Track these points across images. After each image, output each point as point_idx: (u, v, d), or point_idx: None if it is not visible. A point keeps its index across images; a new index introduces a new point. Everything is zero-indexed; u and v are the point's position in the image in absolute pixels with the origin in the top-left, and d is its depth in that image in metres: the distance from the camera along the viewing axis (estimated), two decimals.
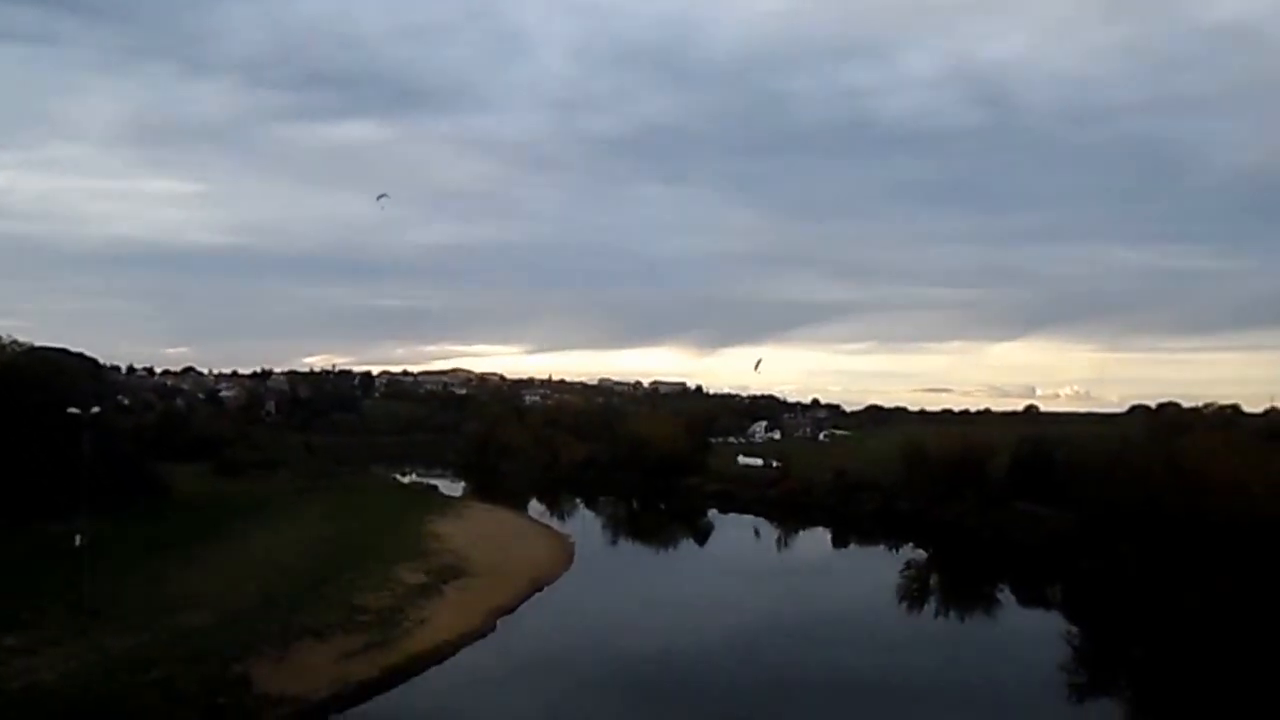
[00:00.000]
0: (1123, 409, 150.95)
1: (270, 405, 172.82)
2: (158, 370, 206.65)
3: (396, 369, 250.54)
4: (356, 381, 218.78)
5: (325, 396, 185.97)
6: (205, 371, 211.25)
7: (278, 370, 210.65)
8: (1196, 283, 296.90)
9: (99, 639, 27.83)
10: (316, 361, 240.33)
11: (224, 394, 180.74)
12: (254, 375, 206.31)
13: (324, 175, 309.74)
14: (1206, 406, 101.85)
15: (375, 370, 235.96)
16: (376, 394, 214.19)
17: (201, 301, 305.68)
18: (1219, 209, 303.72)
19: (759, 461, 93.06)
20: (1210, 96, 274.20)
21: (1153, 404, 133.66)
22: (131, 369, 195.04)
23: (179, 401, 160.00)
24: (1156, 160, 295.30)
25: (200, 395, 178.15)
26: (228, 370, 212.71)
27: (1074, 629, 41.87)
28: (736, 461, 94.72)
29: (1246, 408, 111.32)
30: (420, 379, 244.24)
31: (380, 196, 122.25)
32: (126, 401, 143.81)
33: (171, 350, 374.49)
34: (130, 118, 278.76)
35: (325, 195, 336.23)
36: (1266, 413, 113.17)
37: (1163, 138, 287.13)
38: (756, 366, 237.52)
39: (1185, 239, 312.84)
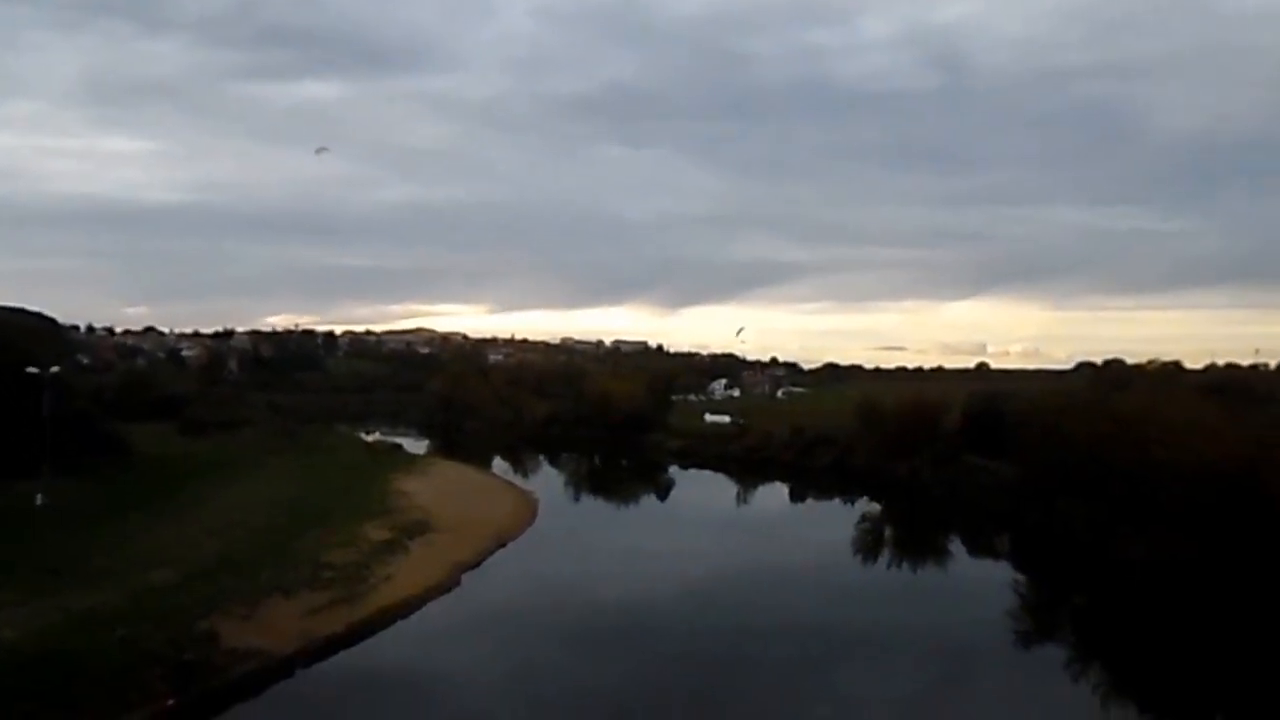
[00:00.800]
0: (1070, 366, 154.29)
1: (233, 365, 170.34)
2: (118, 330, 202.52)
3: (360, 328, 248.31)
4: (320, 341, 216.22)
5: (288, 356, 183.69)
6: (166, 331, 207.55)
7: (240, 330, 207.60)
8: (1141, 244, 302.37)
9: (61, 598, 27.36)
10: (279, 321, 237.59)
11: (186, 353, 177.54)
12: (216, 335, 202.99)
13: (285, 134, 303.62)
14: (1149, 363, 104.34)
15: (339, 330, 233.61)
16: (340, 353, 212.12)
17: (162, 260, 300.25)
18: (1163, 172, 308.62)
19: (726, 419, 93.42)
20: (1157, 61, 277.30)
21: (1098, 361, 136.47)
22: (91, 328, 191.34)
23: (140, 361, 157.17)
24: (1104, 124, 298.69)
25: (161, 355, 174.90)
26: (189, 330, 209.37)
27: (1021, 578, 42.85)
28: (704, 419, 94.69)
29: (1187, 364, 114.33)
30: (384, 338, 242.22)
31: (319, 150, 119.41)
32: (86, 361, 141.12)
33: (131, 310, 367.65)
34: (87, 75, 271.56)
35: (287, 154, 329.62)
36: (1206, 368, 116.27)
37: (1111, 102, 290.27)
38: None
39: (1130, 201, 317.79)
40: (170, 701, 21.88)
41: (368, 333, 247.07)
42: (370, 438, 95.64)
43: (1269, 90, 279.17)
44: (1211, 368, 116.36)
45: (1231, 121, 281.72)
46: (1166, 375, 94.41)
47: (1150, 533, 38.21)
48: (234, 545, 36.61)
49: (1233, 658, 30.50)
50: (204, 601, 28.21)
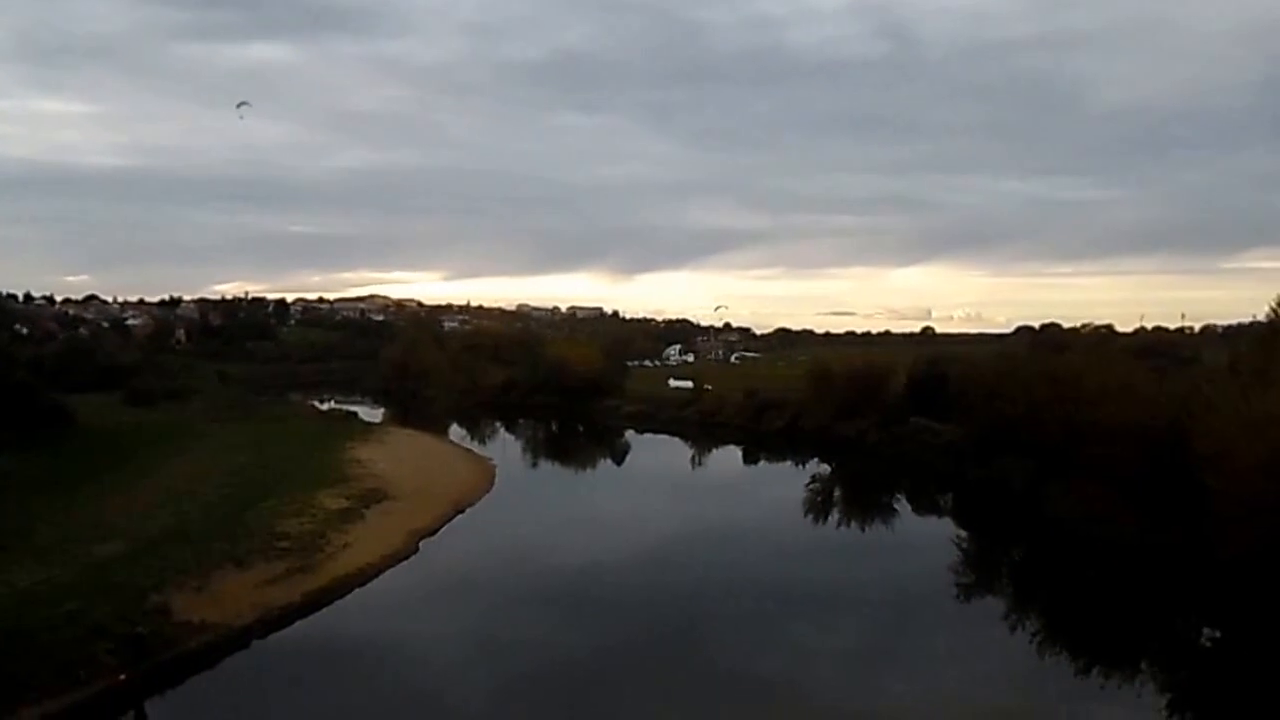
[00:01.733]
0: (1010, 329, 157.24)
1: (180, 333, 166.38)
2: (58, 299, 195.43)
3: (312, 296, 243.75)
4: (271, 309, 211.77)
5: (238, 324, 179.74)
6: (110, 299, 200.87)
7: (187, 298, 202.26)
8: (1078, 212, 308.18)
9: (5, 574, 26.89)
10: (228, 289, 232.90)
11: (131, 322, 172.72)
12: (162, 303, 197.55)
13: (231, 98, 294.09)
14: (1084, 326, 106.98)
15: (290, 298, 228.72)
16: (292, 321, 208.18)
17: (104, 226, 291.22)
18: (1099, 143, 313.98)
19: (689, 384, 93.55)
20: (1093, 35, 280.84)
21: (1036, 325, 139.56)
22: (29, 297, 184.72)
23: (82, 331, 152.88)
24: (1044, 96, 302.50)
25: (105, 324, 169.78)
26: (134, 298, 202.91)
27: (963, 534, 43.95)
28: (669, 384, 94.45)
29: (1119, 327, 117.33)
30: (337, 306, 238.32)
31: (240, 105, 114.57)
32: (25, 331, 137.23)
33: (73, 278, 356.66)
34: (20, 34, 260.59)
35: (233, 118, 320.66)
36: (1136, 331, 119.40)
37: (1050, 74, 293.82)
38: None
39: (1069, 171, 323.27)
40: (121, 676, 21.64)
41: (320, 300, 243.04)
42: (324, 406, 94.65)
43: (1198, 64, 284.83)
44: (1141, 331, 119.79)
45: (1163, 94, 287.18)
46: (1099, 338, 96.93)
47: (1081, 489, 39.35)
48: (185, 517, 36.13)
49: (1153, 603, 31.76)
50: (155, 574, 27.86)
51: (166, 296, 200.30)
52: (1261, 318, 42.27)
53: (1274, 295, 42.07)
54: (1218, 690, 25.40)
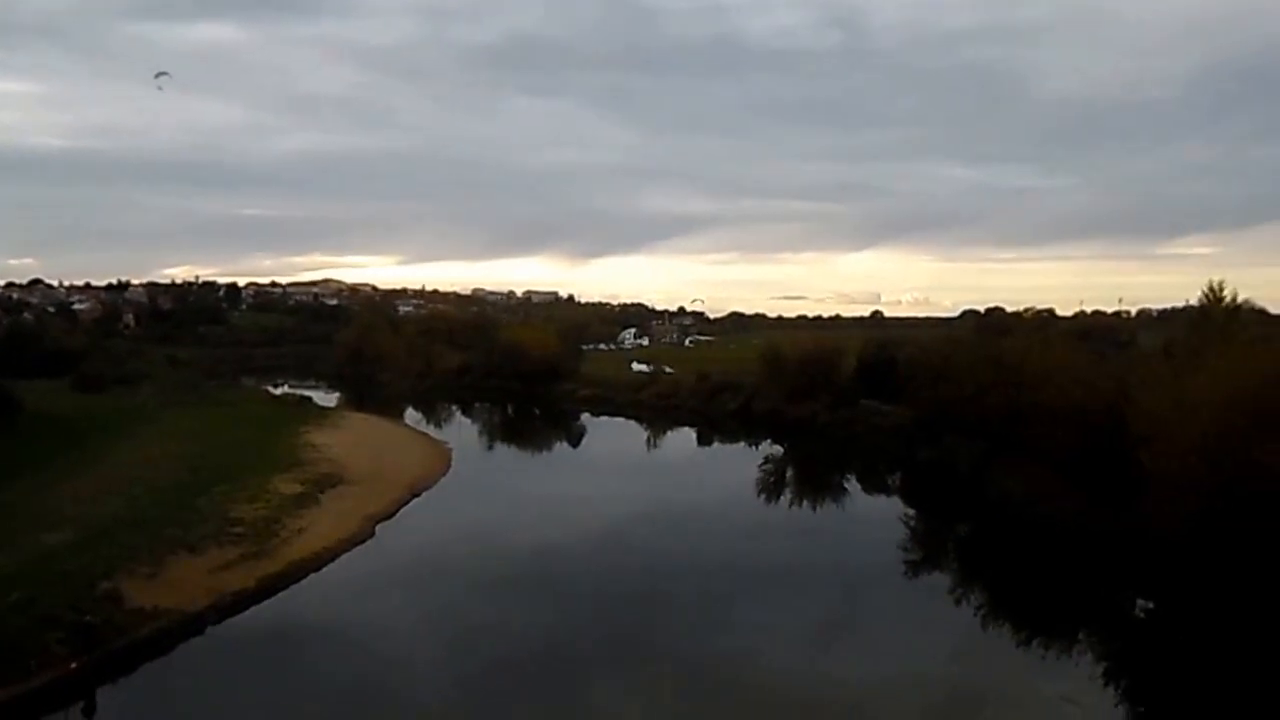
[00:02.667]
0: (956, 314, 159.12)
1: (129, 318, 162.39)
2: (1, 283, 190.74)
3: (264, 280, 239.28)
4: (222, 293, 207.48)
5: (189, 309, 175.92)
6: (55, 283, 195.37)
7: (136, 282, 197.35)
8: (1021, 199, 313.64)
9: None
10: (178, 273, 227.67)
11: (77, 307, 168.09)
12: (110, 287, 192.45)
13: (180, 78, 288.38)
14: (1026, 311, 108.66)
15: (242, 282, 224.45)
16: (244, 306, 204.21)
17: (48, 209, 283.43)
18: (1043, 132, 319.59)
19: (651, 367, 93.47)
20: (1038, 25, 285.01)
21: (982, 309, 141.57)
22: None
23: (27, 315, 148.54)
24: (991, 85, 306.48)
25: (51, 309, 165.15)
26: (80, 282, 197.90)
27: (911, 513, 44.76)
28: (631, 368, 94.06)
29: (1060, 311, 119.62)
30: (290, 290, 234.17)
31: (159, 75, 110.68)
32: None
33: (16, 261, 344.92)
34: None
35: (182, 99, 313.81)
36: (1076, 315, 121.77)
37: (996, 64, 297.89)
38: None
39: (1013, 159, 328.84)
40: (73, 665, 21.21)
41: (273, 285, 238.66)
42: (278, 391, 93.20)
43: (1136, 56, 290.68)
44: (1081, 315, 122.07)
45: (1103, 85, 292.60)
46: (1041, 322, 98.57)
47: (1023, 468, 40.24)
48: (136, 503, 35.44)
49: (1091, 578, 32.65)
50: (106, 561, 27.29)
51: (114, 280, 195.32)
52: (1194, 302, 43.40)
53: (1206, 281, 43.31)
54: (1150, 658, 26.25)
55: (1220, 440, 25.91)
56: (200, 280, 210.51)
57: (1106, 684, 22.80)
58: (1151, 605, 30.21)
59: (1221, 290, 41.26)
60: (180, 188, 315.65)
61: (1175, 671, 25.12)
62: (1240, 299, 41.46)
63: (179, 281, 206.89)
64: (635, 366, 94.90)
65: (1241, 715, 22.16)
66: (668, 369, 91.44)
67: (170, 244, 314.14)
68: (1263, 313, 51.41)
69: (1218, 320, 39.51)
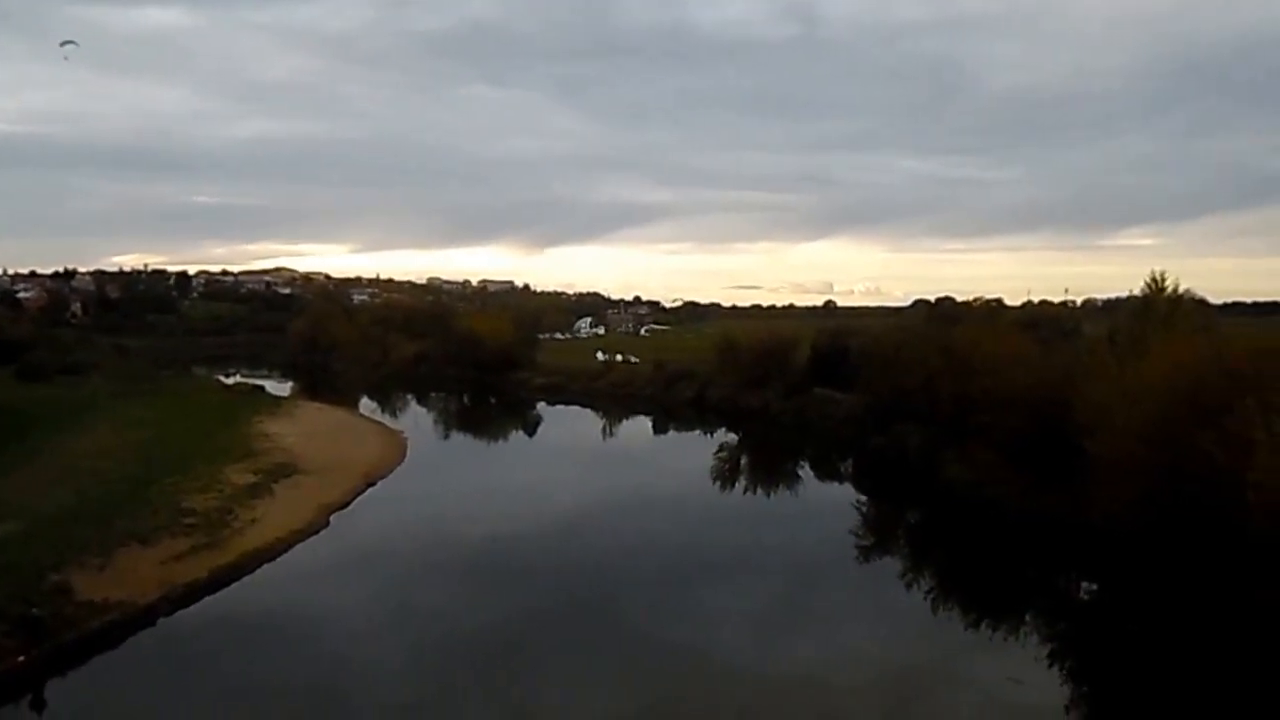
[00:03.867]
0: (907, 303, 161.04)
1: (76, 307, 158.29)
2: None
3: (216, 269, 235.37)
4: (172, 282, 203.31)
5: (138, 297, 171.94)
6: None
7: (83, 270, 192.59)
8: (971, 191, 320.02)
9: None
10: (127, 261, 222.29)
11: (22, 295, 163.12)
12: (56, 275, 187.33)
13: (129, 63, 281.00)
14: (975, 300, 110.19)
15: (192, 270, 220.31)
16: (194, 294, 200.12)
17: None
18: (992, 124, 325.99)
19: (619, 357, 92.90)
20: (988, 19, 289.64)
21: (932, 298, 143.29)
22: None
23: None
24: (942, 78, 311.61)
25: None
26: (25, 270, 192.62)
27: (863, 499, 45.22)
28: (597, 356, 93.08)
29: (1008, 301, 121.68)
30: (241, 279, 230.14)
31: (64, 44, 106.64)
32: None
33: None
34: None
35: (131, 85, 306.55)
36: (1023, 305, 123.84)
37: (945, 57, 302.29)
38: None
39: (963, 151, 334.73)
40: (21, 659, 20.63)
41: (224, 273, 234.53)
42: (230, 380, 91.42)
43: (1080, 50, 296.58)
44: (1028, 304, 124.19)
45: (1050, 78, 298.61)
46: (990, 311, 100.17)
47: (972, 455, 40.84)
48: (85, 494, 34.52)
49: (1036, 562, 33.32)
50: (54, 553, 26.52)
51: (61, 268, 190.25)
52: (1137, 292, 44.18)
53: (1148, 271, 44.20)
54: (1094, 639, 26.83)
55: (1161, 427, 26.50)
56: (150, 268, 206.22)
57: (1051, 664, 23.25)
58: (1095, 587, 30.87)
59: (1163, 281, 42.13)
60: (128, 174, 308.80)
61: (1117, 651, 25.76)
62: (1181, 289, 42.33)
63: (128, 270, 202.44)
64: (601, 356, 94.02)
65: (1181, 693, 22.80)
66: (634, 358, 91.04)
67: (118, 231, 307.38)
68: (1203, 303, 52.70)
69: (1160, 310, 40.32)
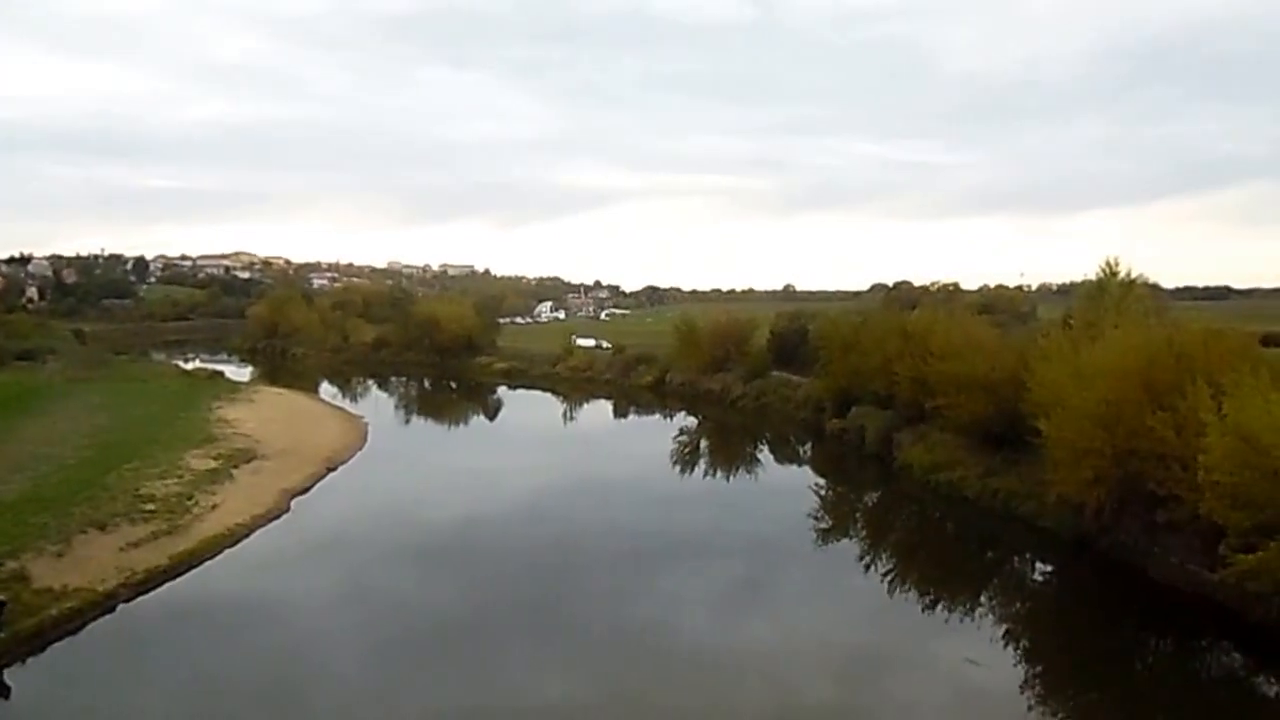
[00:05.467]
0: (865, 287, 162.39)
1: (32, 291, 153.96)
2: None
3: (174, 253, 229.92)
4: (129, 266, 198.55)
5: (95, 282, 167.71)
6: None
7: (39, 255, 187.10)
8: (928, 175, 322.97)
9: None
10: (83, 245, 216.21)
11: None
12: (10, 260, 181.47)
13: (81, 44, 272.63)
14: (933, 284, 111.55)
15: (150, 254, 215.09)
16: (152, 279, 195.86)
17: None
18: (949, 109, 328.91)
19: (593, 342, 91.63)
20: (947, 4, 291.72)
21: (890, 282, 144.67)
22: None
23: None
24: (900, 62, 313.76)
25: None
26: None
27: (821, 482, 45.39)
28: (574, 342, 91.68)
29: (964, 285, 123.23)
30: (199, 263, 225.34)
31: None
32: None
33: None
34: None
35: (84, 66, 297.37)
36: (980, 289, 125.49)
37: (905, 41, 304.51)
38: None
39: (921, 135, 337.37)
40: None
41: (182, 257, 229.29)
42: (189, 365, 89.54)
43: (1035, 34, 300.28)
44: (985, 288, 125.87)
45: (1006, 63, 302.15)
46: (947, 295, 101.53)
47: (928, 437, 41.14)
48: (43, 481, 33.45)
49: (991, 543, 33.69)
50: (12, 540, 25.62)
51: (16, 253, 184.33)
52: (1091, 276, 44.69)
53: (1102, 255, 44.52)
54: (1046, 617, 27.21)
55: (1114, 408, 26.77)
56: (106, 253, 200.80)
57: (1007, 645, 23.40)
58: (1049, 568, 31.23)
59: (1116, 266, 42.65)
60: (84, 157, 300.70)
61: (1066, 627, 26.11)
62: (1134, 274, 42.87)
63: (84, 254, 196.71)
64: (579, 342, 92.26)
65: (1131, 670, 23.16)
66: (605, 343, 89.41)
67: (73, 215, 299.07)
68: (1155, 287, 53.51)
69: (1113, 295, 40.79)
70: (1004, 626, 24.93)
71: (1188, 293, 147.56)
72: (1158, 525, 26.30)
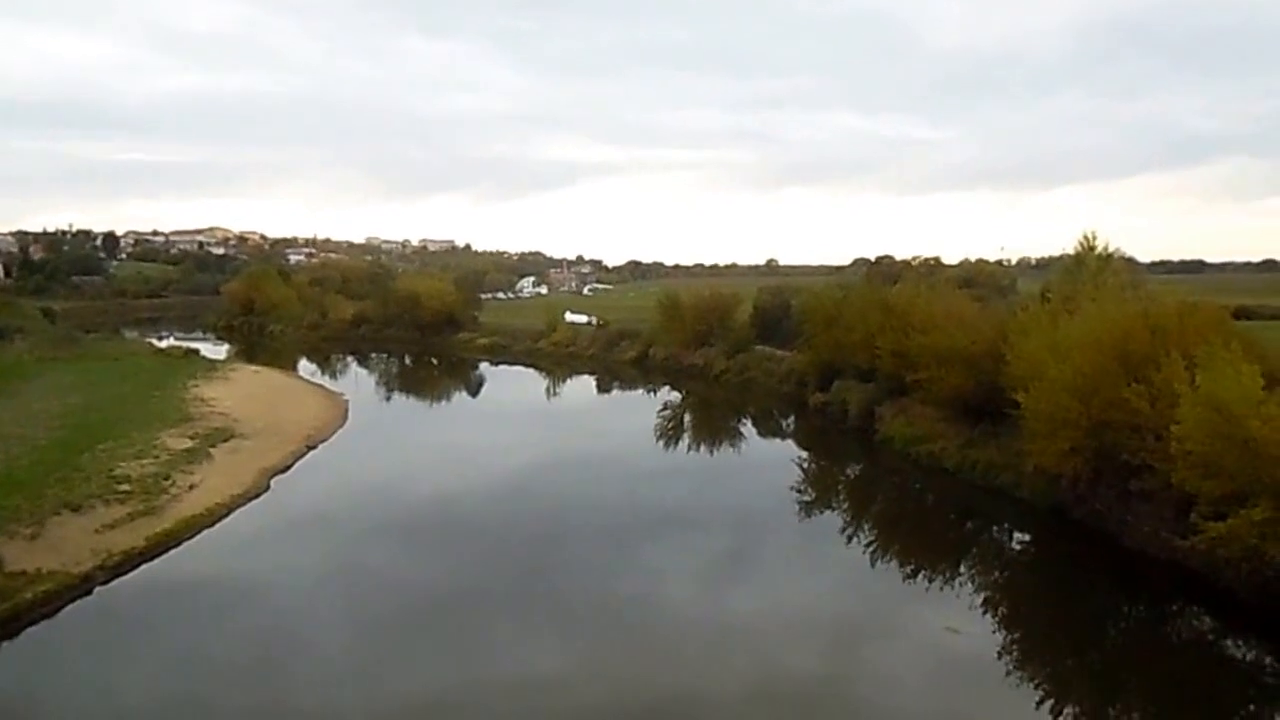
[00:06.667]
0: (848, 261, 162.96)
1: None
2: None
3: (145, 229, 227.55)
4: (99, 242, 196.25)
5: (64, 259, 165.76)
6: None
7: (4, 231, 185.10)
8: (911, 149, 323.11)
9: None
10: (50, 221, 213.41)
11: None
12: None
13: (42, 11, 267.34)
14: (914, 258, 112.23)
15: (120, 230, 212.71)
16: (123, 255, 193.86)
17: None
18: (932, 83, 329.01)
19: (584, 318, 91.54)
20: None
21: (872, 257, 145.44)
22: None
23: None
24: (883, 36, 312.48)
25: None
26: None
27: (804, 455, 45.92)
28: (564, 317, 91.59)
29: (946, 259, 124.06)
30: (172, 239, 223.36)
31: None
32: None
33: None
34: None
35: (49, 36, 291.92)
36: (960, 263, 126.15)
37: (889, 14, 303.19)
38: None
39: (903, 110, 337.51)
40: None
41: (154, 233, 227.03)
42: (163, 344, 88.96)
43: (1019, 9, 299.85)
44: (965, 262, 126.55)
45: (988, 38, 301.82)
46: (928, 269, 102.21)
47: (910, 411, 41.67)
48: (14, 462, 33.37)
49: (971, 514, 34.26)
50: None
51: None
52: (1069, 251, 45.28)
53: (1080, 230, 45.05)
54: (1023, 585, 27.82)
55: (1091, 380, 27.27)
56: (75, 229, 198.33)
57: (985, 612, 23.97)
58: (1027, 537, 31.87)
59: (1094, 240, 43.28)
60: (49, 129, 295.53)
61: (1044, 594, 26.74)
62: (1111, 249, 43.51)
63: (52, 230, 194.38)
64: (569, 317, 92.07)
65: (1104, 635, 23.80)
66: (599, 320, 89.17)
67: (40, 189, 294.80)
68: (1132, 261, 54.23)
69: (1090, 268, 41.38)
70: (983, 595, 25.47)
71: (1163, 266, 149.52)
72: (1131, 494, 26.91)
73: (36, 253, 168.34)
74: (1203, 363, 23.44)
